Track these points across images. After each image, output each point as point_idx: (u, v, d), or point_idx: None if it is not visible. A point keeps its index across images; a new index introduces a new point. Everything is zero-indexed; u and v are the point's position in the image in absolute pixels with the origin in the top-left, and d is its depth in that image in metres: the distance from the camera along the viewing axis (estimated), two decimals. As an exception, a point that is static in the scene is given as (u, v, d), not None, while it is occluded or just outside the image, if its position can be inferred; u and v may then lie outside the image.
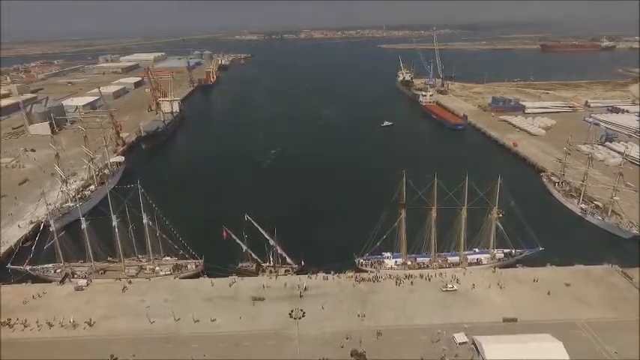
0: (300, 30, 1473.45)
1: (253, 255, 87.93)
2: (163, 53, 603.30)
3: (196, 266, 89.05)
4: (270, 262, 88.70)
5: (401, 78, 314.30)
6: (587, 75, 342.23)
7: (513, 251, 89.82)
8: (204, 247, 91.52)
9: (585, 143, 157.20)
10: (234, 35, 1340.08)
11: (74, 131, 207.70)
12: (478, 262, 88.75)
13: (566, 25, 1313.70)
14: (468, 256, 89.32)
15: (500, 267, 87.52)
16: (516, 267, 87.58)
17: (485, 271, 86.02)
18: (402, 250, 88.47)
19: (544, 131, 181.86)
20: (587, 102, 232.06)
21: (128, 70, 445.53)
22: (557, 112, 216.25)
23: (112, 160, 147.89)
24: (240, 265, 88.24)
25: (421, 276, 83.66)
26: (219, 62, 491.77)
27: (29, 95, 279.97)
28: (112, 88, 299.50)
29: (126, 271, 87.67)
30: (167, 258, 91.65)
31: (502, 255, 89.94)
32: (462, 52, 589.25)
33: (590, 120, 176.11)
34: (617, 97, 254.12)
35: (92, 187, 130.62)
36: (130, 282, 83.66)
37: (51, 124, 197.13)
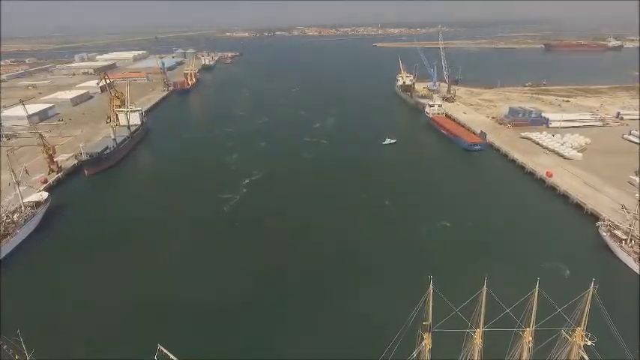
0: (293, 27, 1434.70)
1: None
2: (145, 51, 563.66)
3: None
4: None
5: (400, 82, 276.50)
6: (601, 77, 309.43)
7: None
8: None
9: (636, 171, 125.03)
10: (225, 32, 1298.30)
11: (8, 150, 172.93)
12: (547, 410, 55.21)
13: (566, 22, 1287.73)
14: (530, 399, 55.75)
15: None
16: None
17: None
18: (423, 389, 54.82)
19: (580, 154, 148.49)
20: (619, 113, 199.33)
21: (102, 70, 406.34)
22: (587, 127, 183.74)
23: (28, 199, 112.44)
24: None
25: None
26: (203, 62, 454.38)
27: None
28: (71, 94, 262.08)
29: None
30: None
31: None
32: (463, 50, 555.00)
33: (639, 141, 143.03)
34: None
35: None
36: None
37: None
